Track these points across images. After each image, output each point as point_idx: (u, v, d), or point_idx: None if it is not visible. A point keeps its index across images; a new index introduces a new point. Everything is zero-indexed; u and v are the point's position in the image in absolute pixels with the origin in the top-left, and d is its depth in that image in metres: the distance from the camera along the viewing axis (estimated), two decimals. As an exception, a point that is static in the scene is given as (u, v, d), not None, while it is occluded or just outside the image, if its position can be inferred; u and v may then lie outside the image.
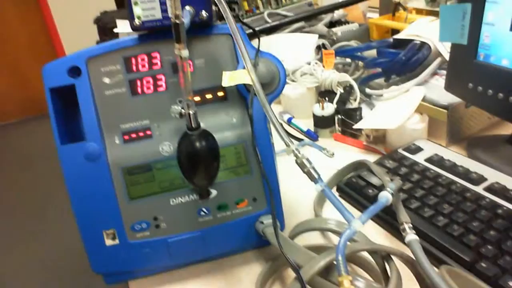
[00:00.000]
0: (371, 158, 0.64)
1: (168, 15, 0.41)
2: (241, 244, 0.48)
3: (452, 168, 0.55)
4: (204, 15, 0.41)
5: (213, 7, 0.42)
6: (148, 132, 0.45)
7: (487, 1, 0.52)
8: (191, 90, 0.39)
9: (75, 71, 0.43)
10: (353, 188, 0.57)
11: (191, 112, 0.40)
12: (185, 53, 0.37)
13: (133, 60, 0.44)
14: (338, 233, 0.42)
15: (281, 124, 0.41)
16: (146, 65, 0.44)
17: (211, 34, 0.44)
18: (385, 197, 0.40)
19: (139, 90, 0.44)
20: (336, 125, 0.74)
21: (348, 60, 0.88)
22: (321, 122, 0.74)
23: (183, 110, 0.40)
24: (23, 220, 2.08)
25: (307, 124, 0.77)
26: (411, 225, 0.39)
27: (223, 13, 0.36)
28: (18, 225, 2.04)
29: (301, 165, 0.39)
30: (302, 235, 0.48)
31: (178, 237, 0.46)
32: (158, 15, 0.41)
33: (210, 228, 0.46)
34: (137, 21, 0.41)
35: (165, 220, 0.45)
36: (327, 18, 1.06)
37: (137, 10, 0.41)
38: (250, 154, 0.45)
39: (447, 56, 0.69)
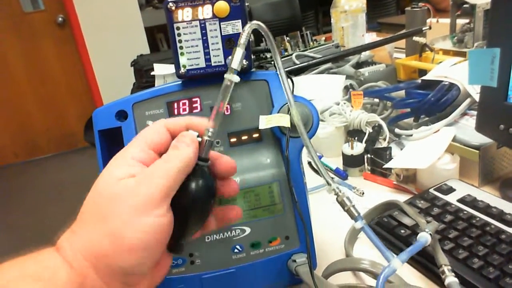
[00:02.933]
0: (401, 198, 0.64)
1: (211, 63, 0.45)
2: (273, 282, 0.49)
3: (486, 209, 0.55)
4: (245, 63, 0.44)
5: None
6: (187, 171, 0.47)
7: (515, 45, 0.54)
8: (218, 123, 0.38)
9: (122, 115, 0.46)
10: (385, 228, 0.57)
11: (206, 138, 0.36)
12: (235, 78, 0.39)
13: (175, 105, 0.47)
14: (373, 273, 0.43)
15: (322, 163, 0.42)
16: (187, 109, 0.47)
17: (249, 80, 0.47)
18: (425, 237, 0.40)
19: (180, 131, 0.47)
20: (366, 164, 0.75)
21: (376, 100, 0.90)
22: (351, 161, 0.76)
23: (199, 138, 0.36)
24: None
25: (336, 162, 0.78)
26: (450, 267, 0.39)
27: (275, 62, 0.39)
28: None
29: (342, 203, 0.41)
30: (333, 275, 0.49)
31: (212, 273, 0.47)
32: (202, 64, 0.45)
33: (243, 265, 0.47)
34: (182, 70, 0.45)
35: (200, 256, 0.47)
36: (354, 59, 1.09)
37: (183, 60, 0.44)
38: (283, 193, 0.47)
39: (476, 97, 0.70)
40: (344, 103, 0.84)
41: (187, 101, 0.47)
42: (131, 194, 0.32)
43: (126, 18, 3.03)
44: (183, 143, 0.35)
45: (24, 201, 2.73)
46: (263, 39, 1.21)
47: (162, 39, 3.46)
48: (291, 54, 1.16)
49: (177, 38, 0.45)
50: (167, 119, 0.37)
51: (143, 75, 1.18)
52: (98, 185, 0.33)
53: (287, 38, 1.20)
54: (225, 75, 0.39)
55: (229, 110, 0.47)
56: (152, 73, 0.98)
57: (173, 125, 0.37)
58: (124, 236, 0.31)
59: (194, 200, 0.35)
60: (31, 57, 3.11)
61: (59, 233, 0.33)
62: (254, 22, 0.41)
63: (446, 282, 0.37)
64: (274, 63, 0.44)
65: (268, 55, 1.16)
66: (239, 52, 0.39)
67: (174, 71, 0.46)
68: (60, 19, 3.06)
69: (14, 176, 3.12)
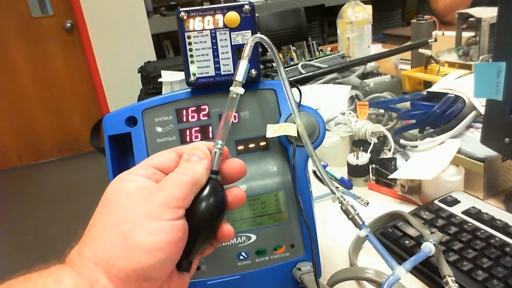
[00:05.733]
0: (406, 208, 0.64)
1: (220, 72, 0.45)
2: (278, 290, 0.49)
3: (491, 221, 0.55)
4: (254, 72, 0.45)
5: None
6: (194, 178, 0.48)
7: (521, 59, 0.54)
8: (226, 135, 0.38)
9: (132, 121, 0.47)
10: (389, 238, 0.57)
11: (216, 150, 0.36)
12: (240, 90, 0.39)
13: (184, 112, 0.47)
14: (377, 283, 0.43)
15: (327, 172, 0.42)
16: (196, 116, 0.48)
17: (257, 89, 0.48)
18: (428, 247, 0.40)
19: (188, 138, 0.48)
20: (371, 174, 0.76)
21: (382, 110, 0.90)
22: (355, 171, 0.76)
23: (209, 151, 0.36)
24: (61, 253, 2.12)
25: (341, 172, 0.79)
26: (453, 278, 0.39)
27: (279, 73, 0.40)
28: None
29: (346, 212, 0.41)
30: (338, 284, 0.49)
31: (218, 280, 0.47)
32: (211, 72, 0.45)
33: (248, 272, 0.47)
34: (192, 78, 0.45)
35: (205, 262, 0.47)
36: (359, 69, 1.10)
37: (193, 68, 0.45)
38: (289, 201, 0.47)
39: (481, 110, 0.70)
40: (350, 113, 0.85)
41: (195, 108, 0.47)
42: (144, 202, 0.32)
43: (133, 24, 3.06)
44: (196, 156, 0.35)
45: (27, 204, 2.73)
46: (270, 48, 1.22)
47: (168, 46, 3.49)
48: (297, 64, 1.16)
49: (188, 47, 0.45)
50: (177, 147, 0.38)
51: (150, 81, 1.19)
52: (107, 199, 0.33)
53: (293, 47, 1.21)
54: (231, 88, 0.39)
55: (236, 118, 0.48)
56: (159, 80, 0.99)
57: (181, 148, 0.37)
58: (136, 238, 0.31)
59: (205, 218, 0.35)
60: (38, 61, 3.14)
61: (66, 251, 0.33)
62: (258, 35, 0.42)
63: (450, 293, 0.38)
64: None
65: (275, 64, 1.17)
66: (243, 64, 0.40)
67: (181, 78, 0.47)
68: (68, 24, 3.10)
69: (18, 179, 3.14)
